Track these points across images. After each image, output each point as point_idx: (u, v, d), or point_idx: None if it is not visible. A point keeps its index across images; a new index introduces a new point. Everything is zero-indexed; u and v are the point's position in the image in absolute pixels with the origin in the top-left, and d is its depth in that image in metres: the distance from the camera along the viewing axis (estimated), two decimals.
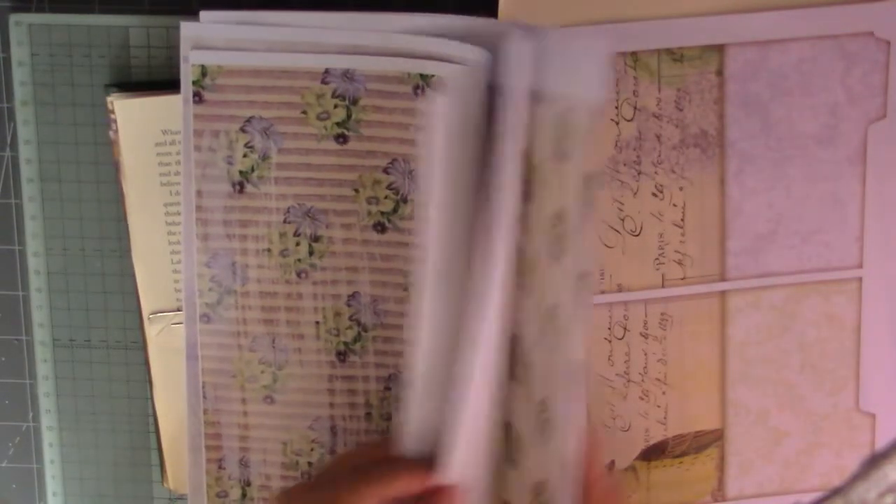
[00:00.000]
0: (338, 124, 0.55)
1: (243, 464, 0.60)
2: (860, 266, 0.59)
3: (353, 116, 0.55)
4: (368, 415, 0.59)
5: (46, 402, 0.64)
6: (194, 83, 0.55)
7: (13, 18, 0.60)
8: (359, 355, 0.58)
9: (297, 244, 0.57)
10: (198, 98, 0.55)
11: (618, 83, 0.56)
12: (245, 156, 0.56)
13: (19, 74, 0.60)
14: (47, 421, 0.64)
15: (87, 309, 0.63)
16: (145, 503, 0.65)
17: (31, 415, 0.65)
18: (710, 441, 0.61)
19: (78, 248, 0.62)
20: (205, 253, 0.57)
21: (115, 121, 0.58)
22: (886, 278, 0.59)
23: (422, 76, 0.54)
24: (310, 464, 0.60)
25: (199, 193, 0.56)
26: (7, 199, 0.62)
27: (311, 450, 0.60)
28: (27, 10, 0.60)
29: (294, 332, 0.58)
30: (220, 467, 0.60)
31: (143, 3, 0.60)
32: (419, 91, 0.54)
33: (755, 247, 0.58)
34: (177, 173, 0.59)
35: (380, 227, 0.56)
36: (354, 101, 0.55)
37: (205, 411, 0.59)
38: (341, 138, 0.55)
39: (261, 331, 0.58)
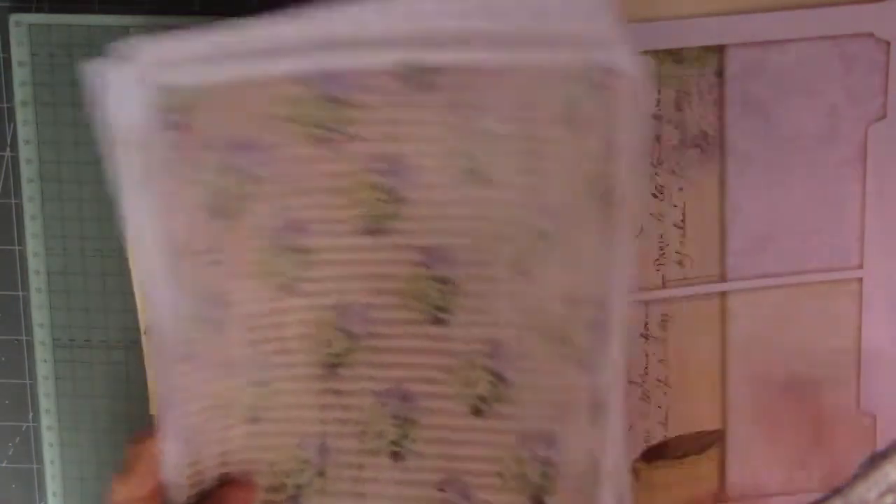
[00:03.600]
0: (322, 127, 0.51)
1: None
2: (860, 266, 0.59)
3: (340, 117, 0.51)
4: (362, 433, 0.55)
5: (46, 402, 0.64)
6: (168, 109, 0.50)
7: (13, 18, 0.60)
8: (350, 368, 0.54)
9: (283, 258, 0.53)
10: (173, 126, 0.50)
11: None
12: (227, 177, 0.51)
13: (19, 74, 0.60)
14: (47, 421, 0.64)
15: (87, 309, 0.63)
16: None
17: (31, 415, 0.65)
18: (710, 441, 0.61)
19: (78, 248, 0.62)
20: (185, 289, 0.52)
21: None
22: (887, 278, 0.59)
23: (415, 67, 0.51)
24: (298, 486, 0.55)
25: (179, 228, 0.51)
26: (7, 199, 0.62)
27: (301, 470, 0.55)
28: (27, 10, 0.60)
29: (281, 348, 0.54)
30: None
31: (143, 3, 0.60)
32: (411, 83, 0.51)
33: (755, 247, 0.58)
34: None
35: (371, 231, 0.53)
36: (340, 101, 0.51)
37: (189, 459, 0.53)
38: (327, 142, 0.51)
39: (246, 353, 0.53)
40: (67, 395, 0.64)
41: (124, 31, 0.60)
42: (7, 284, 0.63)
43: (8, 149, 0.61)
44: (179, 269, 0.51)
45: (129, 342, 0.63)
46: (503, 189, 0.51)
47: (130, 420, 0.64)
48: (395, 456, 0.55)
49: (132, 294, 0.61)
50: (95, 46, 0.60)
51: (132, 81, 0.49)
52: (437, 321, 0.53)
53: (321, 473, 0.55)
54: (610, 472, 0.52)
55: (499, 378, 0.53)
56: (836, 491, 0.50)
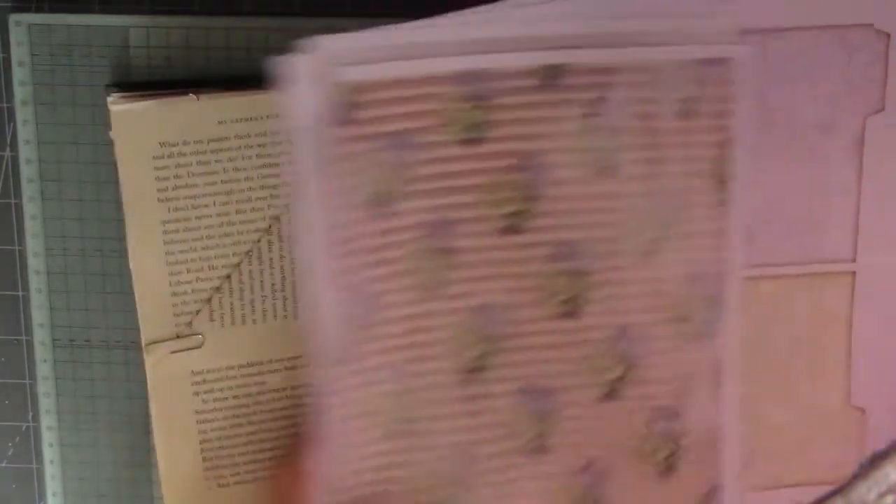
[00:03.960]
0: (470, 127, 0.52)
1: None
2: (854, 260, 0.58)
3: (486, 118, 0.52)
4: (503, 435, 0.54)
5: (46, 402, 0.64)
6: (341, 104, 0.51)
7: (13, 18, 0.60)
8: (489, 371, 0.54)
9: (430, 260, 0.53)
10: (343, 120, 0.51)
11: None
12: (385, 174, 0.52)
13: (19, 74, 0.60)
14: (47, 421, 0.64)
15: (87, 309, 0.63)
16: (145, 503, 0.65)
17: (30, 415, 0.65)
18: None
19: (78, 248, 0.62)
20: (344, 290, 0.52)
21: None
22: (880, 273, 0.58)
23: (549, 68, 0.52)
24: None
25: (337, 226, 0.52)
26: (7, 199, 0.62)
27: (447, 485, 0.54)
28: (27, 10, 0.60)
29: (422, 354, 0.53)
30: None
31: (143, 3, 0.60)
32: (545, 83, 0.52)
33: (749, 237, 0.57)
34: (175, 188, 0.58)
35: (509, 230, 0.53)
36: (486, 101, 0.52)
37: (341, 470, 0.54)
38: (473, 142, 0.52)
39: (390, 358, 0.53)
40: (67, 395, 0.64)
41: (124, 31, 0.60)
42: (7, 284, 0.63)
43: (8, 149, 0.62)
44: (341, 268, 0.52)
45: (129, 342, 0.63)
46: (628, 181, 0.53)
47: (130, 420, 0.64)
48: (537, 451, 0.55)
49: (132, 294, 0.60)
50: (95, 46, 0.60)
51: (313, 76, 0.50)
52: (569, 314, 0.54)
53: (466, 485, 0.55)
54: (730, 439, 0.54)
55: (628, 361, 0.54)
56: (837, 491, 0.50)
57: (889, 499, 0.49)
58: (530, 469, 0.55)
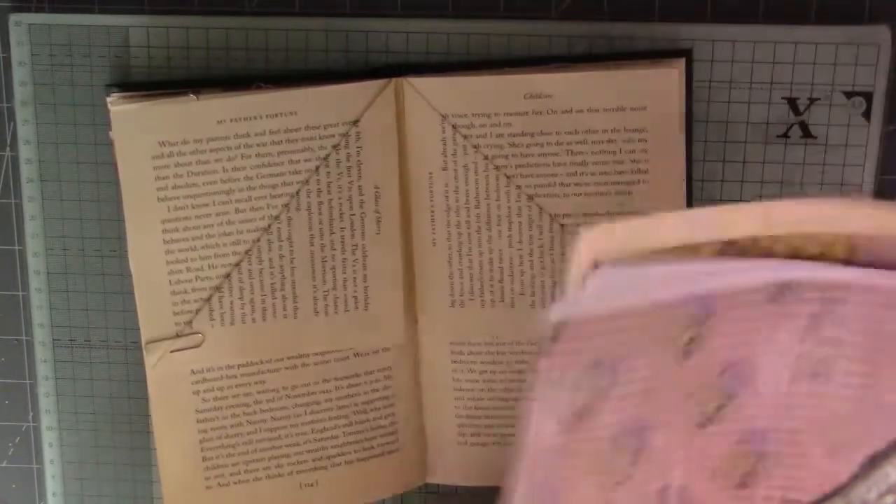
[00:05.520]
0: (685, 343, 0.52)
1: None
2: None
3: (701, 333, 0.52)
4: None
5: (46, 402, 0.64)
6: (547, 337, 0.51)
7: (13, 18, 0.60)
8: None
9: (620, 458, 0.53)
10: (553, 342, 0.51)
11: None
12: (587, 389, 0.52)
13: (19, 74, 0.60)
14: (47, 421, 0.64)
15: (87, 309, 0.63)
16: (145, 503, 0.65)
17: (31, 415, 0.65)
18: None
19: (78, 248, 0.62)
20: (530, 486, 0.53)
21: None
22: None
23: (780, 283, 0.51)
24: None
25: (537, 433, 0.52)
26: (7, 199, 0.62)
27: None
28: (27, 10, 0.60)
29: None
30: None
31: (143, 3, 0.60)
32: (771, 297, 0.52)
33: None
34: (175, 187, 0.58)
35: (706, 424, 0.54)
36: (705, 319, 0.52)
37: None
38: (686, 355, 0.52)
39: None
40: (67, 395, 0.64)
41: (124, 31, 0.60)
42: (7, 284, 0.63)
43: (8, 149, 0.62)
44: (535, 462, 0.53)
45: (129, 342, 0.63)
46: (838, 387, 0.53)
47: (130, 420, 0.64)
48: None
49: (132, 294, 0.60)
50: (95, 46, 0.60)
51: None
52: (744, 485, 0.55)
53: None
54: None
55: None
56: (837, 491, 0.50)
57: (889, 499, 0.49)
58: None
